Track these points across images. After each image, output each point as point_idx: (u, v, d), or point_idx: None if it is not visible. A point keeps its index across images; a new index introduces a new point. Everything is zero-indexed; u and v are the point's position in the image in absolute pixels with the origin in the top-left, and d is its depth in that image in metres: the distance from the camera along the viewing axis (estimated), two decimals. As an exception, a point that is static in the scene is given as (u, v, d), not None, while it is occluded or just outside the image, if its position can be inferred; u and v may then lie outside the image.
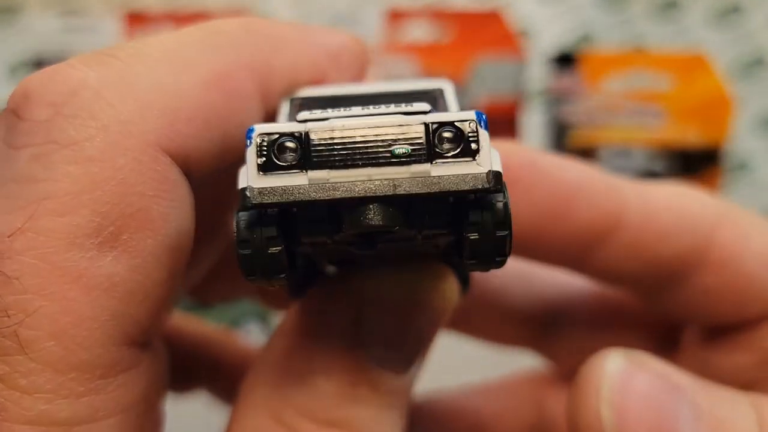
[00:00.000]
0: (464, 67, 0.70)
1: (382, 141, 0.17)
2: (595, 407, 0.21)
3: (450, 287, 0.22)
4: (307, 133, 0.17)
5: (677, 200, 0.25)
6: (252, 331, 0.65)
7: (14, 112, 0.17)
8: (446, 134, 0.17)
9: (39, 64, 0.68)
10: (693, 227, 0.25)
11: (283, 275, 0.17)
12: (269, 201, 0.16)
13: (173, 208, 0.18)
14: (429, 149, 0.17)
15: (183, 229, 0.18)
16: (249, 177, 0.17)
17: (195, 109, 0.17)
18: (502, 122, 0.71)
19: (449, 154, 0.17)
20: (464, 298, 0.25)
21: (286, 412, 0.19)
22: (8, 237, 0.16)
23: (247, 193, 0.16)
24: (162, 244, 0.17)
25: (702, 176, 0.69)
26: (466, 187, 0.17)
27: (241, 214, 0.17)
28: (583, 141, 0.71)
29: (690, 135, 0.70)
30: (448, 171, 0.17)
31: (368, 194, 0.17)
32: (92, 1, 0.75)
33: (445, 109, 0.21)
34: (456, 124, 0.17)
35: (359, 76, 0.22)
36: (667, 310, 0.27)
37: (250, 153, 0.17)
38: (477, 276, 0.28)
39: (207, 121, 0.18)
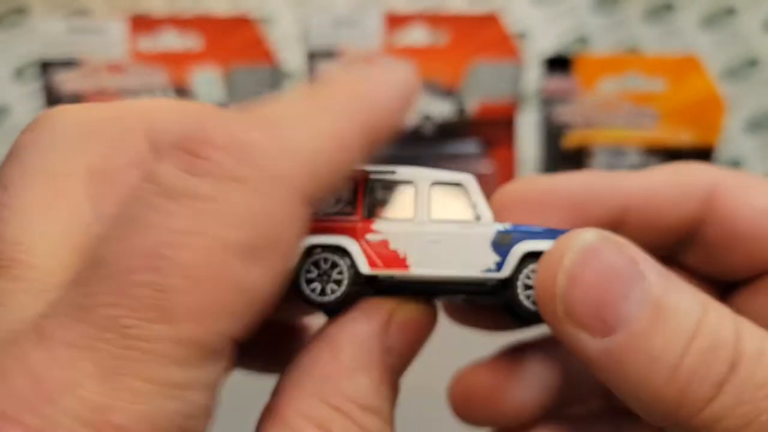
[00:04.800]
0: (461, 70, 0.71)
1: None
2: (554, 271, 0.23)
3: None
4: None
5: (673, 175, 0.29)
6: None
7: (191, 152, 0.21)
8: None
9: (44, 65, 0.70)
10: (689, 193, 0.28)
11: None
12: None
13: (298, 239, 0.22)
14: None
15: (294, 258, 0.23)
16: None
17: (327, 168, 0.22)
18: (498, 124, 0.72)
19: None
20: None
21: (335, 398, 0.23)
22: (179, 233, 0.20)
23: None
24: (285, 269, 0.22)
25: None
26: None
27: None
28: (577, 142, 0.72)
29: (683, 136, 0.71)
30: None
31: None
32: (97, 3, 0.76)
33: (474, 208, 0.26)
34: None
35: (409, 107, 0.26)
36: (684, 272, 0.30)
37: None
38: None
39: (332, 175, 0.23)
